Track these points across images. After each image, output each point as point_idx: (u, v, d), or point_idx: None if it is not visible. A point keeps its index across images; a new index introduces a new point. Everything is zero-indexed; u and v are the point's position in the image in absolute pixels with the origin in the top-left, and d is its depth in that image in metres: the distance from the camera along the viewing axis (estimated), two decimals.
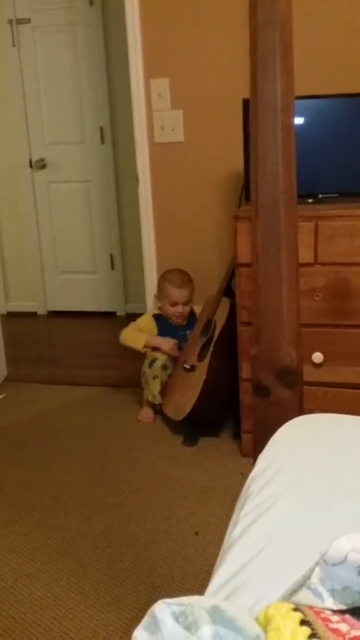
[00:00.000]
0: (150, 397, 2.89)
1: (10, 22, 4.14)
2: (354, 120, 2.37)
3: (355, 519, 0.99)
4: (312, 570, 0.83)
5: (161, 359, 2.87)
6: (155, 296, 3.01)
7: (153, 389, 2.86)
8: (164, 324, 2.96)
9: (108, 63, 4.09)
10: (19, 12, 4.12)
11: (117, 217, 4.35)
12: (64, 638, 1.70)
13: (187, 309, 2.92)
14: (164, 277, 2.93)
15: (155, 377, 2.86)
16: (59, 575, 1.93)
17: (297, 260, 1.41)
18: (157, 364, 2.86)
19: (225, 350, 2.65)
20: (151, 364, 2.87)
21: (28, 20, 4.12)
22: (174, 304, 2.89)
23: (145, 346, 2.90)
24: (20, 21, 4.14)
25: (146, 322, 2.98)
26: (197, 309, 2.96)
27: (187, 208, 2.99)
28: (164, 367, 2.87)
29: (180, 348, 2.91)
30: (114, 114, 4.17)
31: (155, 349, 2.92)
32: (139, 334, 2.92)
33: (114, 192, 4.30)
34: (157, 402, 2.89)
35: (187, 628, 0.67)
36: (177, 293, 2.87)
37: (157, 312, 3.01)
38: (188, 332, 2.94)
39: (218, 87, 2.81)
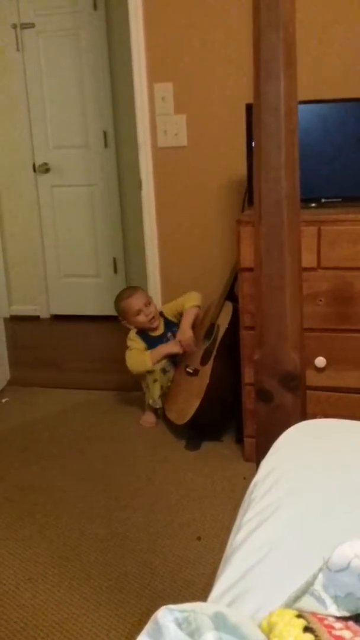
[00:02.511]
0: (150, 401, 2.89)
1: (15, 26, 4.15)
2: (357, 124, 2.37)
3: (358, 525, 0.99)
4: (315, 577, 0.82)
5: (160, 362, 2.86)
6: (123, 324, 2.96)
7: (153, 393, 2.86)
8: (145, 339, 2.94)
9: (111, 67, 4.10)
10: (23, 16, 4.14)
11: (120, 221, 4.36)
12: None
13: (152, 308, 2.88)
14: (115, 301, 2.94)
15: (155, 380, 2.85)
16: (61, 580, 1.93)
17: (300, 265, 1.41)
18: (157, 368, 2.85)
19: (228, 354, 2.65)
20: None
21: (32, 25, 4.14)
22: (138, 312, 2.86)
23: (154, 363, 2.85)
24: (24, 26, 4.15)
25: (137, 341, 2.93)
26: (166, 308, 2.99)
27: (190, 212, 2.99)
28: (164, 370, 2.86)
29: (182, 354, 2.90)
30: (118, 118, 4.18)
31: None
32: (141, 356, 2.88)
33: (117, 196, 4.31)
34: (157, 406, 2.89)
35: (190, 635, 0.67)
36: (132, 301, 2.86)
37: (136, 329, 2.97)
38: (169, 334, 2.93)
39: (221, 91, 2.81)
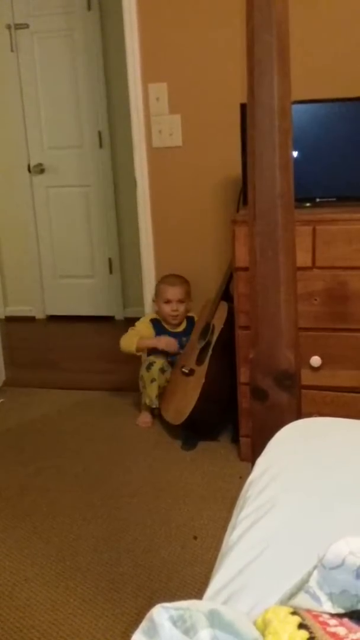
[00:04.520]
0: (147, 401, 2.89)
1: (9, 27, 4.15)
2: (351, 124, 2.38)
3: (353, 523, 0.99)
4: (310, 574, 0.83)
5: (158, 362, 2.87)
6: (152, 300, 3.02)
7: (150, 393, 2.86)
8: (161, 329, 2.96)
9: (106, 68, 4.10)
10: (17, 17, 4.13)
11: (115, 222, 4.36)
12: None
13: (182, 308, 2.91)
14: (160, 280, 2.99)
15: (153, 380, 2.85)
16: (57, 580, 1.93)
17: (295, 264, 1.41)
18: (155, 368, 2.85)
19: (224, 354, 2.65)
20: (148, 368, 2.87)
21: (26, 26, 4.13)
22: (168, 302, 2.89)
23: (138, 349, 2.91)
24: (18, 26, 4.15)
25: (144, 325, 2.99)
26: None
27: (185, 212, 2.99)
28: (162, 370, 2.87)
29: (177, 354, 2.91)
30: (112, 119, 4.18)
31: (152, 350, 2.92)
32: (133, 337, 2.93)
33: (112, 196, 4.31)
34: (154, 406, 2.89)
35: (185, 632, 0.67)
36: (170, 290, 2.89)
37: (155, 316, 3.01)
38: (184, 339, 2.94)
39: (216, 91, 2.82)
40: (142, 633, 0.69)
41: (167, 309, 2.91)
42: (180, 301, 2.90)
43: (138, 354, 2.94)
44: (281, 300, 1.39)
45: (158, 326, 2.97)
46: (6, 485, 2.46)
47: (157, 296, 2.96)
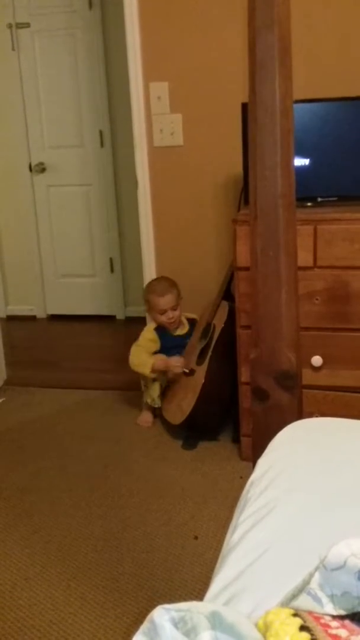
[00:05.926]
0: (149, 401, 2.89)
1: (10, 26, 4.14)
2: (353, 123, 2.38)
3: (355, 524, 0.99)
4: (311, 575, 0.82)
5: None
6: (145, 311, 2.97)
7: (152, 393, 2.86)
8: (164, 336, 2.91)
9: (107, 67, 4.09)
10: (18, 16, 4.13)
11: (116, 221, 4.35)
12: None
13: (177, 313, 2.86)
14: (147, 290, 2.90)
15: (155, 380, 2.85)
16: (58, 580, 1.93)
17: (296, 264, 1.41)
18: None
19: (225, 354, 2.65)
20: None
21: (27, 25, 4.13)
22: (163, 312, 2.84)
23: (153, 371, 2.83)
24: (19, 25, 4.14)
25: (149, 337, 2.91)
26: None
27: (187, 211, 2.99)
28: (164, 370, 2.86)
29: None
30: (114, 118, 4.18)
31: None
32: (145, 357, 2.85)
33: (113, 195, 4.31)
34: (156, 406, 2.89)
35: (186, 634, 0.67)
36: (161, 301, 2.81)
37: (156, 325, 2.95)
38: (188, 341, 2.92)
39: (217, 91, 2.81)
40: (143, 634, 0.69)
41: (163, 318, 2.84)
42: (174, 308, 2.83)
43: (151, 376, 2.84)
44: (282, 300, 1.38)
45: (162, 332, 2.92)
46: (6, 485, 2.46)
47: (150, 308, 2.88)
